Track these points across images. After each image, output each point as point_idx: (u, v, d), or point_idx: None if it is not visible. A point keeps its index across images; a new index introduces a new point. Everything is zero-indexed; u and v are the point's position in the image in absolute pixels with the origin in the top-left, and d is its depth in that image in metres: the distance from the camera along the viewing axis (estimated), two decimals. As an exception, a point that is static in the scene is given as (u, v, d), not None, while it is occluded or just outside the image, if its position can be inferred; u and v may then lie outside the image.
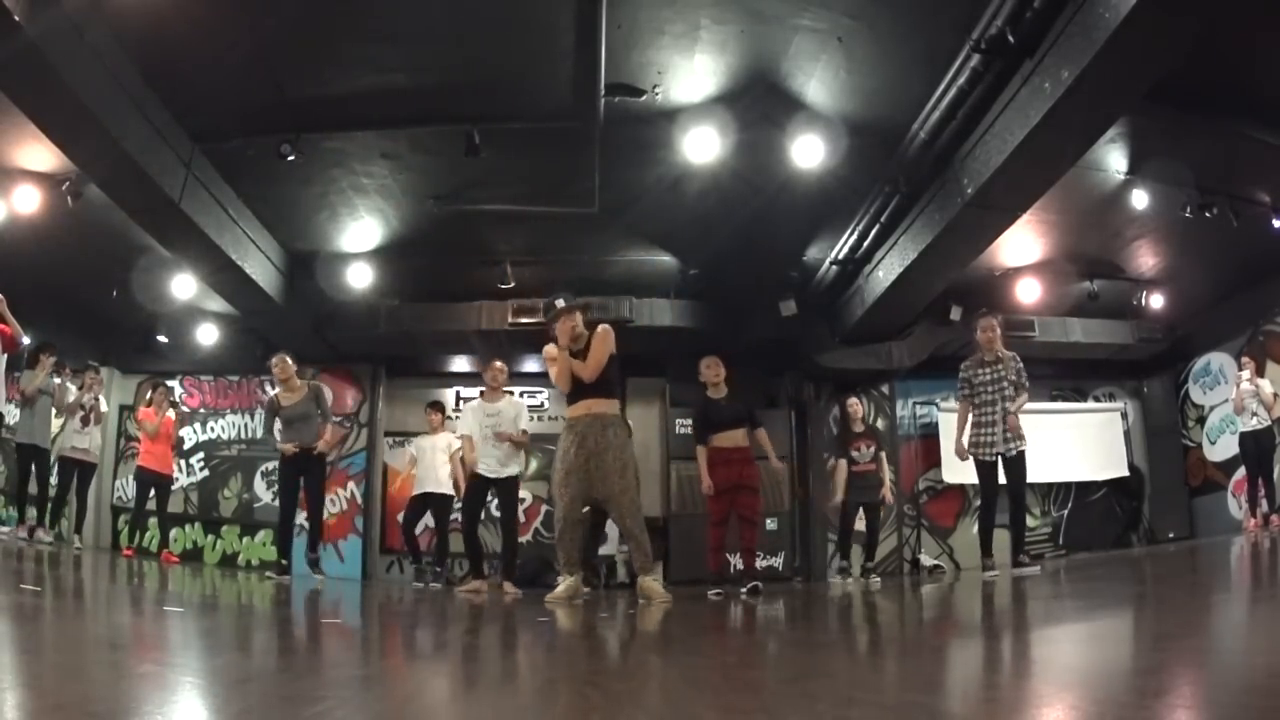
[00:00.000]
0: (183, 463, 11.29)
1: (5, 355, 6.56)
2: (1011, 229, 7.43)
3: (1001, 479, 6.31)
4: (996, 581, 5.95)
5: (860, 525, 8.32)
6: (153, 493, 8.96)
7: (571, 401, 5.34)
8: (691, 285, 9.46)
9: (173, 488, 11.04)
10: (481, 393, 7.31)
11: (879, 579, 8.00)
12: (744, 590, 5.93)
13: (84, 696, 1.68)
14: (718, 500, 6.23)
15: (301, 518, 7.46)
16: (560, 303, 5.34)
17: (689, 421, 10.37)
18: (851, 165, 6.93)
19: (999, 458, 6.23)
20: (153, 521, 9.58)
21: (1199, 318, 10.16)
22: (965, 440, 6.39)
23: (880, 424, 10.86)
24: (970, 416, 6.37)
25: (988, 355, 6.38)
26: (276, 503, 10.76)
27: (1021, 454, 6.20)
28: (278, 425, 7.19)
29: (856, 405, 8.46)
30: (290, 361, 7.26)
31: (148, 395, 9.51)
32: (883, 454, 8.32)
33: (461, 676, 2.44)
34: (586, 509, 5.64)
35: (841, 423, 8.67)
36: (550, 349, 5.41)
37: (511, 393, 7.59)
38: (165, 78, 6.03)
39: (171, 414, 9.27)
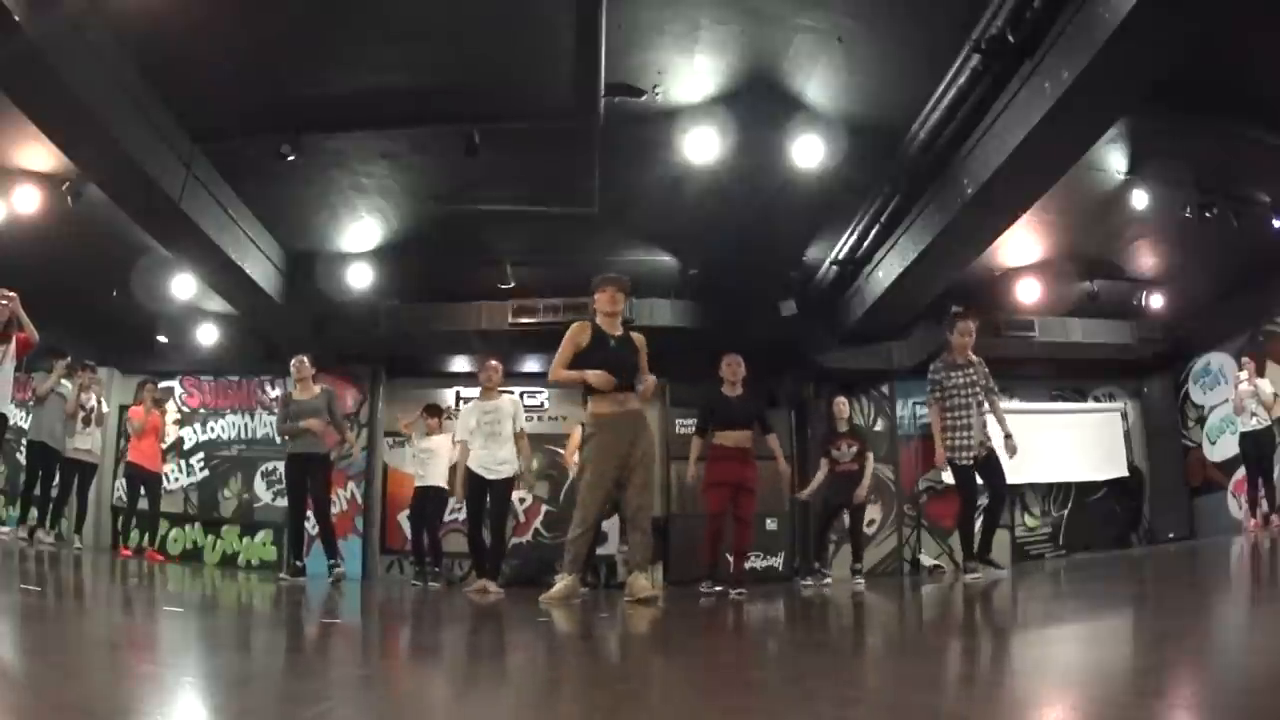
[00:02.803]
0: (182, 463, 11.30)
1: (18, 359, 6.58)
2: (1011, 229, 7.43)
3: (978, 479, 6.24)
4: (994, 582, 5.95)
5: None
6: (143, 490, 8.95)
7: (599, 392, 5.07)
8: (691, 285, 9.45)
9: (170, 487, 11.10)
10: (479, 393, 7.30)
11: (863, 581, 7.91)
12: (734, 591, 5.90)
13: (84, 696, 1.68)
14: (716, 493, 6.18)
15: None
16: (612, 273, 5.27)
17: (689, 421, 10.42)
18: (851, 165, 6.93)
19: (974, 461, 6.08)
20: (143, 520, 9.53)
21: (1199, 318, 10.16)
22: (943, 445, 6.15)
23: (880, 424, 10.86)
24: (944, 420, 6.15)
25: (960, 358, 6.20)
26: (276, 503, 10.91)
27: (992, 452, 6.04)
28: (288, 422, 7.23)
29: (843, 404, 8.40)
30: (309, 363, 7.38)
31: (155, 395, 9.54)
32: (868, 454, 8.23)
33: (462, 677, 2.44)
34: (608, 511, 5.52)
35: (826, 421, 8.62)
36: (576, 327, 5.11)
37: (510, 391, 7.60)
38: (165, 78, 6.03)
39: (158, 412, 9.26)
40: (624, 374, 5.01)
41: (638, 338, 5.19)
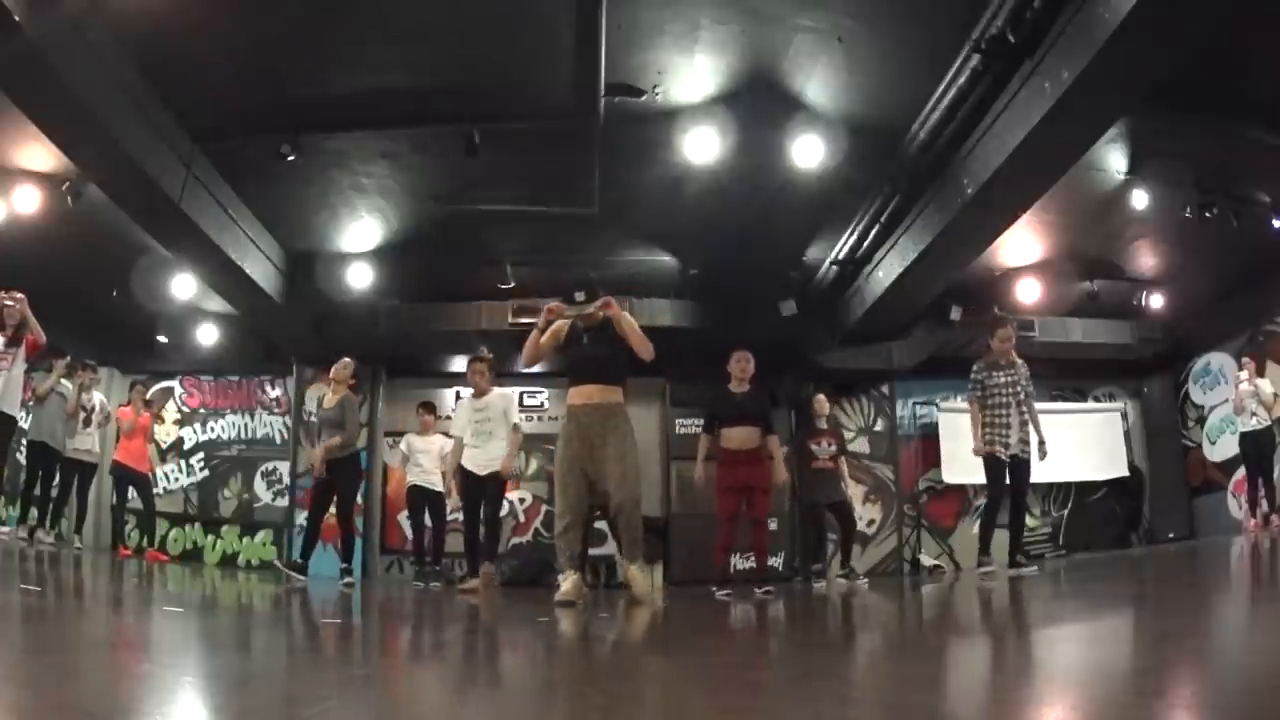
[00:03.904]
0: (182, 463, 11.30)
1: (27, 361, 6.58)
2: (1011, 229, 7.43)
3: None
4: (995, 582, 5.96)
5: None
6: (132, 492, 8.94)
7: (574, 383, 5.04)
8: (691, 285, 9.45)
9: (170, 487, 11.11)
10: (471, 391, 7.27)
11: (860, 579, 7.86)
12: (760, 591, 5.88)
13: (84, 696, 1.68)
14: (727, 498, 6.14)
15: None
16: (579, 295, 5.19)
17: (689, 421, 10.41)
18: (851, 165, 6.92)
19: (1011, 458, 6.25)
20: (143, 521, 9.52)
21: (1199, 318, 10.15)
22: (981, 439, 6.38)
23: (880, 424, 10.86)
24: (983, 416, 6.38)
25: (1003, 360, 6.41)
26: (276, 503, 10.91)
27: (1028, 460, 6.26)
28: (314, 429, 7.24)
29: (823, 401, 8.36)
30: (352, 369, 7.30)
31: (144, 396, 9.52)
32: (843, 452, 8.26)
33: (462, 676, 2.43)
34: (590, 506, 5.32)
35: (805, 416, 8.56)
36: (559, 323, 5.15)
37: (503, 388, 7.57)
38: (165, 78, 6.03)
39: (148, 413, 9.26)
40: (592, 368, 4.98)
41: (618, 310, 5.09)
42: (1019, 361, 6.44)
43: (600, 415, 4.90)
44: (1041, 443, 6.29)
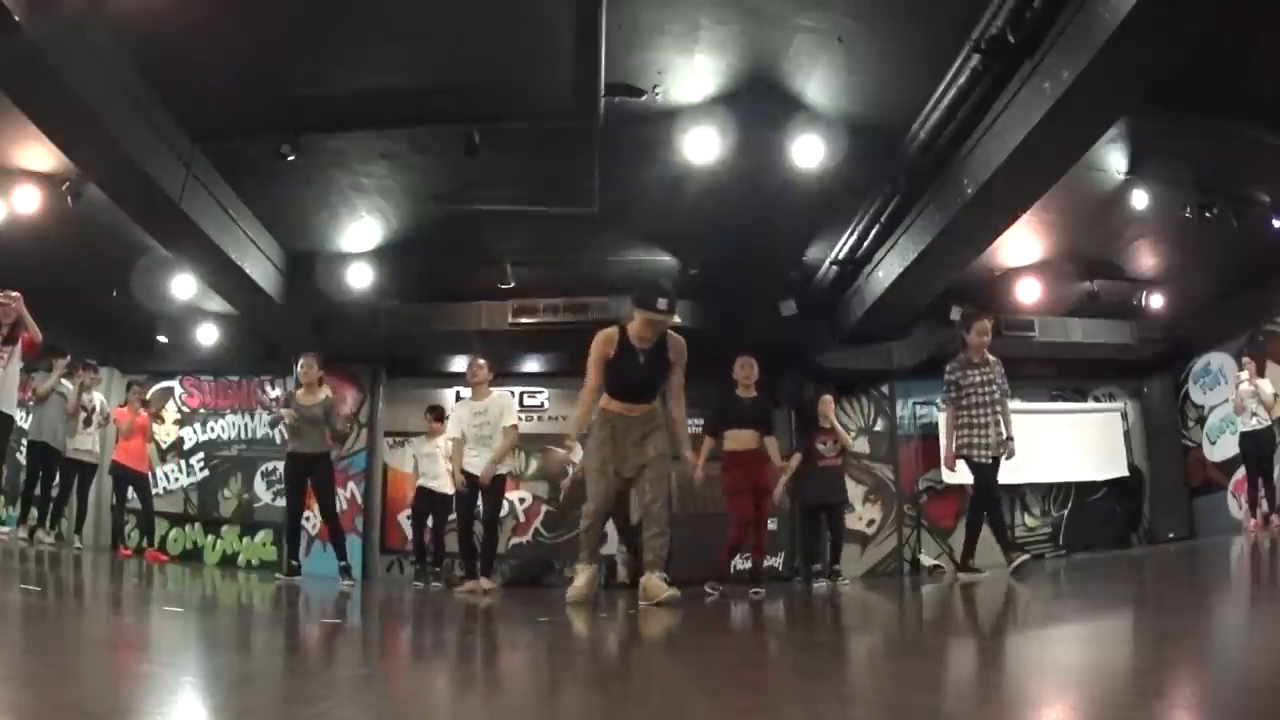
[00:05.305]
0: (182, 463, 11.30)
1: (24, 360, 6.58)
2: (1011, 229, 7.43)
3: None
4: (991, 583, 5.94)
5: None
6: (132, 492, 8.95)
7: (616, 398, 4.86)
8: (691, 285, 9.45)
9: (170, 487, 11.12)
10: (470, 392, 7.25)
11: (844, 582, 7.84)
12: (753, 591, 5.90)
13: (84, 696, 1.68)
14: (738, 502, 6.21)
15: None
16: (663, 303, 4.59)
17: (690, 421, 10.38)
18: (851, 165, 6.93)
19: (992, 460, 6.06)
20: (142, 521, 9.52)
21: (1199, 318, 10.16)
22: (955, 445, 6.17)
23: (880, 424, 10.86)
24: (959, 419, 6.16)
25: (977, 357, 6.19)
26: (276, 503, 10.91)
27: (999, 461, 6.07)
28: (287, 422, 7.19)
29: (829, 401, 8.35)
30: (316, 365, 7.18)
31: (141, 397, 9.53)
32: (847, 452, 8.32)
33: (462, 677, 2.44)
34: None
35: (809, 417, 8.54)
36: (603, 337, 4.76)
37: (504, 388, 7.57)
38: (165, 78, 6.03)
39: (146, 413, 9.26)
40: (648, 391, 4.90)
41: (675, 345, 4.82)
42: (993, 359, 6.21)
43: (643, 420, 4.90)
44: (1009, 439, 6.03)
